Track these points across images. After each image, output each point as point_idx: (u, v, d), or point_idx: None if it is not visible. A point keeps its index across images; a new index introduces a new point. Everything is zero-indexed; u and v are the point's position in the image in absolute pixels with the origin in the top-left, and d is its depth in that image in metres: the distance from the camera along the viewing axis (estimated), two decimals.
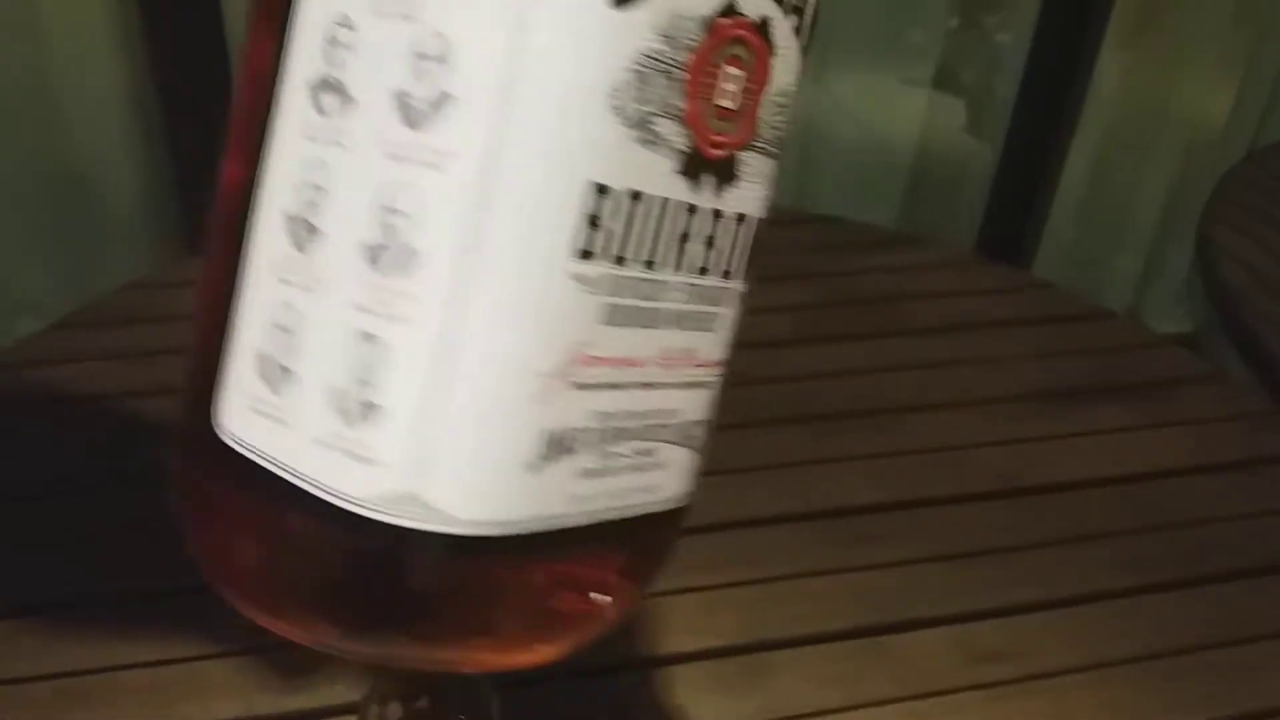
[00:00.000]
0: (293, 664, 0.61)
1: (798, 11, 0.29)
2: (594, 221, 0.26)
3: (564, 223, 0.25)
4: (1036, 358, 0.92)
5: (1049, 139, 1.84)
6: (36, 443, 0.76)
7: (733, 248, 0.31)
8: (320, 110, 0.26)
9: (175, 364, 0.91)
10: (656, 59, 0.25)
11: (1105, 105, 1.85)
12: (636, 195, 0.27)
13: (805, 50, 0.31)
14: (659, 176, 0.27)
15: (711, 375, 0.33)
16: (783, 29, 0.29)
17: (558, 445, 0.27)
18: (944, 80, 1.87)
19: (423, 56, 0.25)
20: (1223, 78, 1.89)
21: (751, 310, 1.06)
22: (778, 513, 0.74)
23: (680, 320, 0.30)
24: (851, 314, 0.97)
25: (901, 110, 1.89)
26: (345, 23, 0.26)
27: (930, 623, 0.67)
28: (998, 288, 1.02)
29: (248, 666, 0.61)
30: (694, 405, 0.32)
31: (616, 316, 0.27)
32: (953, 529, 0.74)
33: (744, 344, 1.03)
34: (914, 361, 0.91)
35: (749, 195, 0.31)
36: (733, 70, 0.28)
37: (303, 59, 0.27)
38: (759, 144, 0.30)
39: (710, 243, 0.30)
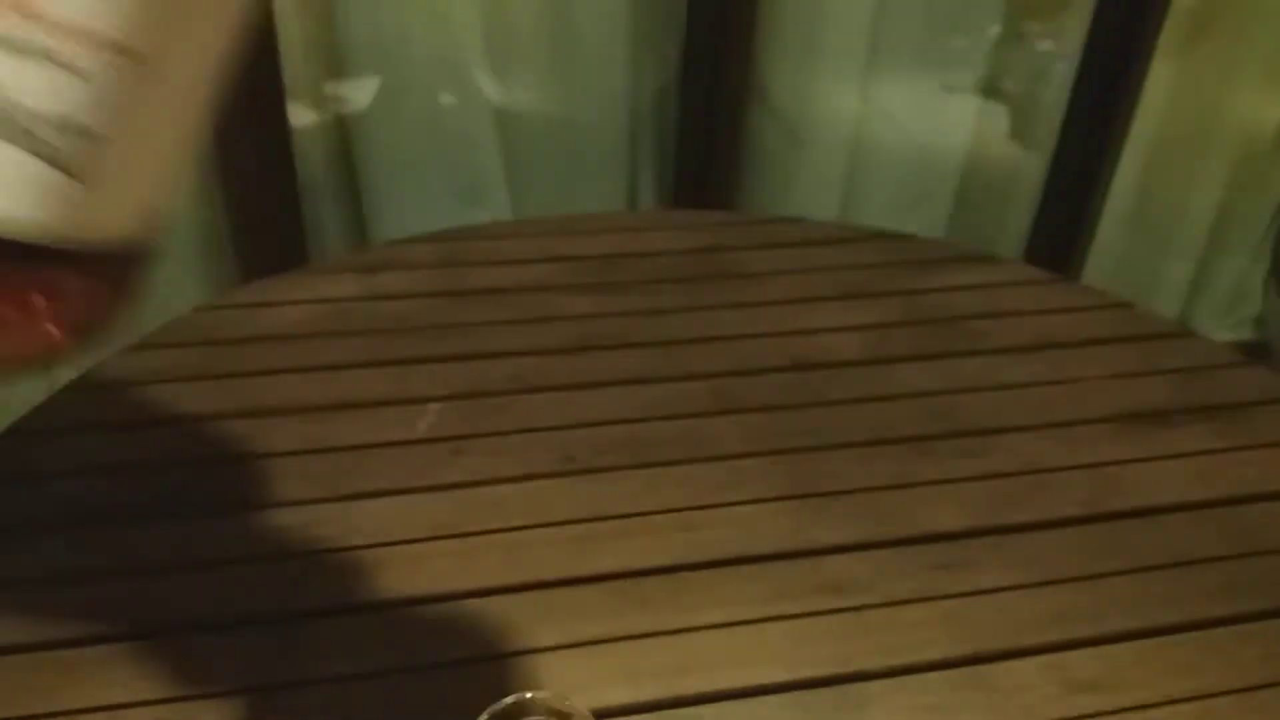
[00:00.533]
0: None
1: None
2: None
3: None
4: (1117, 378, 0.91)
5: (1099, 148, 1.82)
6: (122, 463, 0.77)
7: None
8: None
9: (257, 386, 0.90)
10: None
11: (1156, 114, 1.82)
12: None
13: None
14: None
15: (80, 52, 0.22)
16: None
17: None
18: (991, 89, 1.85)
19: None
20: (1276, 86, 1.86)
21: (823, 329, 1.04)
22: (865, 539, 0.73)
23: None
24: (924, 333, 0.96)
25: (948, 119, 1.87)
26: None
27: (1024, 652, 0.65)
28: (1074, 306, 1.00)
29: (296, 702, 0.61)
30: (32, 85, 0.22)
31: None
32: (1042, 555, 0.73)
33: (814, 364, 1.02)
34: (992, 383, 0.90)
35: None
36: None
37: None
38: None
39: None
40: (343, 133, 1.59)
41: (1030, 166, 1.87)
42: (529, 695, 0.53)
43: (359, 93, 1.58)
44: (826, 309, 0.99)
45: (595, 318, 0.96)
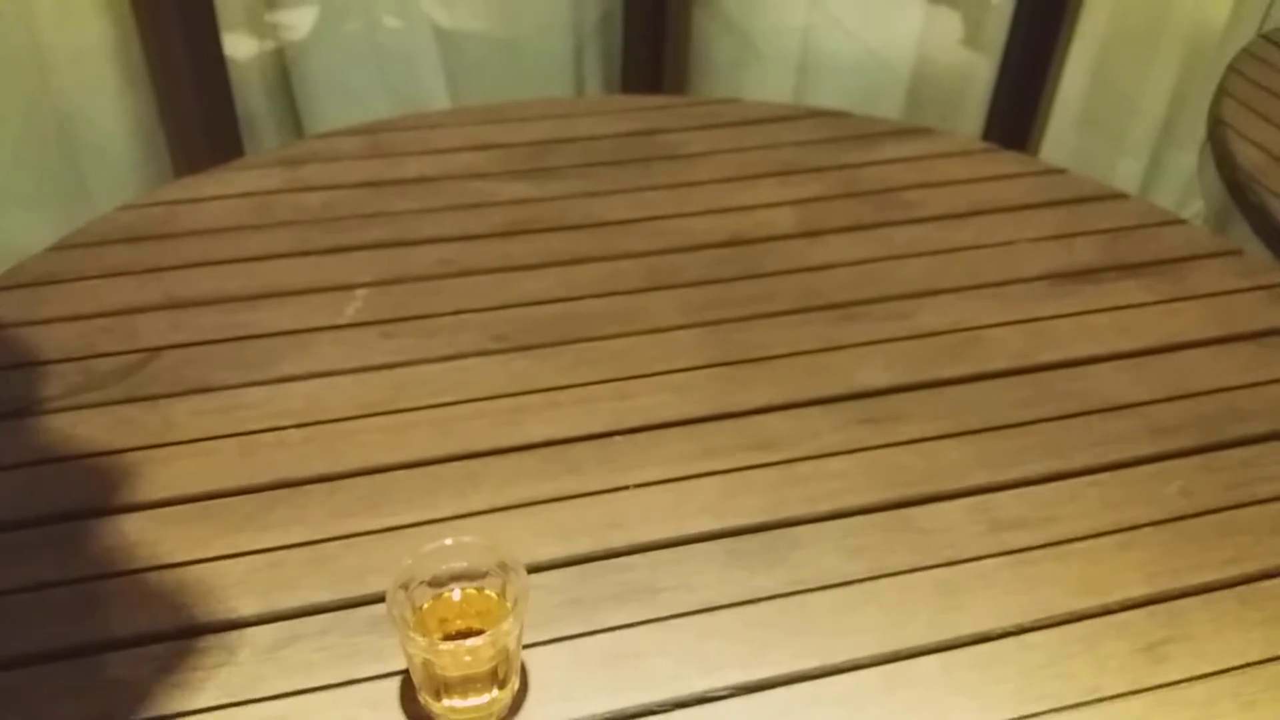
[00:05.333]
0: None
1: None
2: None
3: None
4: (1050, 240, 0.91)
5: (1047, 46, 1.81)
6: (35, 364, 0.76)
7: None
8: None
9: (181, 279, 0.89)
10: None
11: (1105, 11, 1.81)
12: None
13: None
14: None
15: None
16: None
17: None
18: None
19: None
20: None
21: (760, 205, 1.04)
22: (794, 398, 0.73)
23: None
24: (859, 205, 0.95)
25: (897, 25, 1.85)
26: None
27: (950, 495, 0.66)
28: (1007, 174, 1.00)
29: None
30: None
31: None
32: (970, 407, 0.73)
33: (749, 239, 1.02)
34: (926, 248, 0.90)
35: None
36: None
37: None
38: None
39: None
40: (282, 61, 1.55)
41: (980, 68, 1.86)
42: (448, 541, 0.53)
43: (298, 20, 1.54)
44: (763, 186, 0.98)
45: (526, 203, 0.94)
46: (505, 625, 0.49)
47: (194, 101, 1.46)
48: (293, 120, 1.60)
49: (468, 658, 0.49)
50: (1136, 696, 0.55)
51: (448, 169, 0.98)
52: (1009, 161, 1.03)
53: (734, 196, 0.96)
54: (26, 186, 1.47)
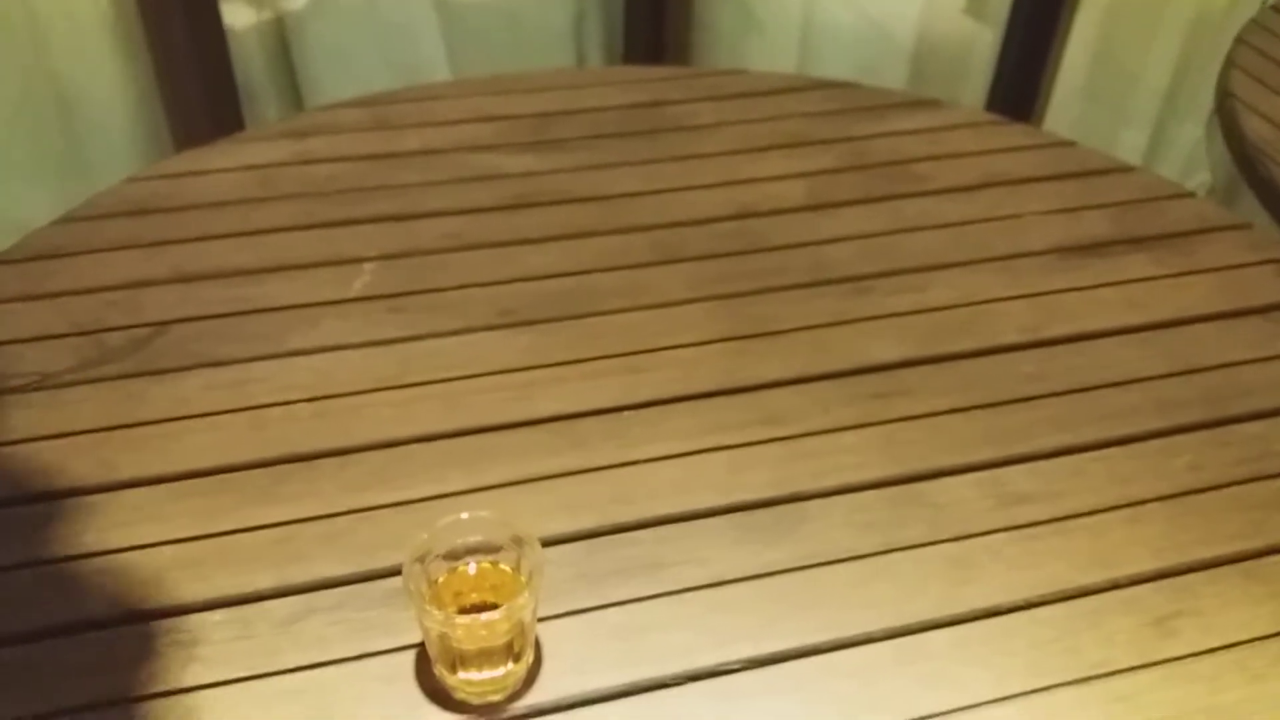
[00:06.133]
0: None
1: None
2: None
3: None
4: (1058, 213, 0.91)
5: (1052, 17, 1.79)
6: (54, 333, 0.75)
7: None
8: None
9: (188, 253, 0.89)
10: None
11: None
12: None
13: None
14: None
15: None
16: None
17: None
18: None
19: None
20: None
21: (768, 178, 1.04)
22: (803, 373, 0.73)
23: None
24: (868, 178, 0.95)
25: None
26: None
27: (960, 470, 0.67)
28: (1016, 146, 1.00)
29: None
30: None
31: None
32: (978, 381, 0.74)
33: (758, 212, 1.01)
34: (935, 221, 0.89)
35: None
36: None
37: None
38: None
39: None
40: (281, 32, 1.53)
41: (983, 39, 1.85)
42: (464, 515, 0.53)
43: None
44: (771, 158, 0.97)
45: (533, 175, 0.94)
46: (521, 599, 0.49)
47: (193, 72, 1.45)
48: (292, 91, 1.59)
49: (484, 631, 0.50)
50: (1144, 670, 0.55)
51: (452, 141, 0.98)
52: (1017, 134, 1.02)
53: (742, 169, 0.96)
54: (24, 159, 1.46)
